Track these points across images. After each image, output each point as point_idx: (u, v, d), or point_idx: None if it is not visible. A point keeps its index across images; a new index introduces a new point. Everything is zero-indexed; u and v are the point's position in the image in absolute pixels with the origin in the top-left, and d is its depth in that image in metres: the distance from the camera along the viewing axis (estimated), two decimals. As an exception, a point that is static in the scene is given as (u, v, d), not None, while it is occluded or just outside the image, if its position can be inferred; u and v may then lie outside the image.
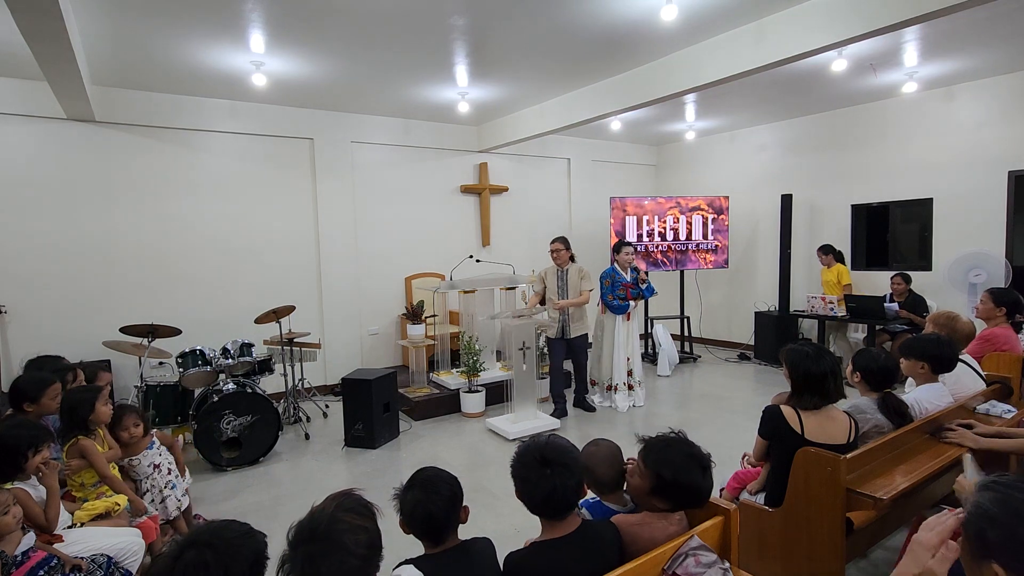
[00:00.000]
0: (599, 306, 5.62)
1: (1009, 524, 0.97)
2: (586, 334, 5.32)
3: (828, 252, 6.75)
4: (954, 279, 5.62)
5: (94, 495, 2.65)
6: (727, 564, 1.61)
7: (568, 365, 5.69)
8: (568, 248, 5.33)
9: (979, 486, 1.05)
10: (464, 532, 1.66)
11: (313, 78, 5.04)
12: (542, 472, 1.59)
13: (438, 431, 5.07)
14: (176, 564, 1.16)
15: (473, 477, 4.01)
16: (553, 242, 5.35)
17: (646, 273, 5.54)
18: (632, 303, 5.44)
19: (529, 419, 4.90)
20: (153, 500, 2.94)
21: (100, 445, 2.72)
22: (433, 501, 1.55)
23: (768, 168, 7.67)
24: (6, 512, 1.96)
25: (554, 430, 4.77)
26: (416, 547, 1.59)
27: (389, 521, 1.52)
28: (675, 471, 1.67)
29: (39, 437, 2.22)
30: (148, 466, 2.98)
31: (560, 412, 5.26)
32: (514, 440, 4.60)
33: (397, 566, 1.51)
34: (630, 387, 5.53)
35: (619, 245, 5.57)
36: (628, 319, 5.48)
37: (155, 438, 3.08)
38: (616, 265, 5.49)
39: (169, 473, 3.03)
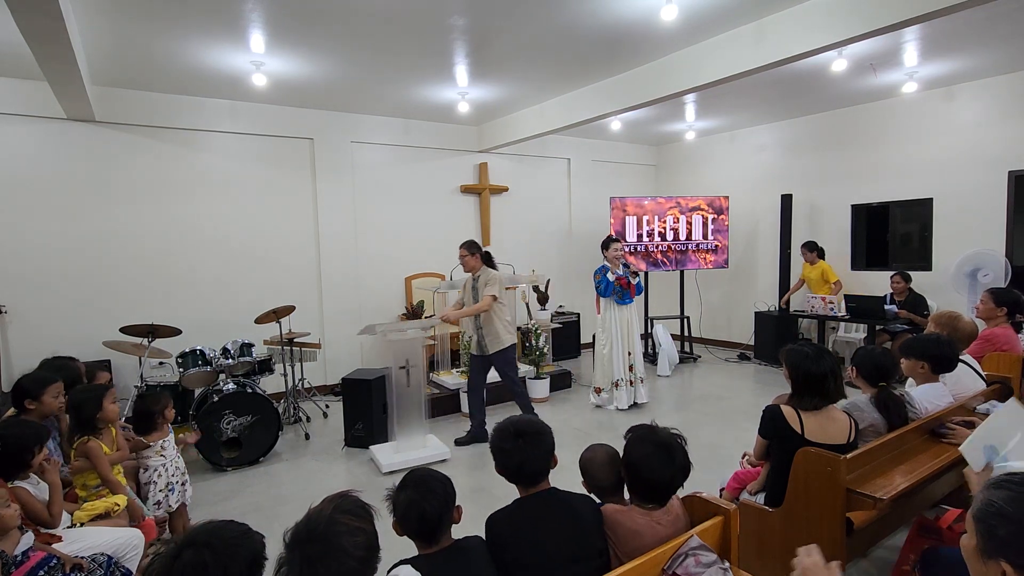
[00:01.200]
0: (596, 305, 5.58)
1: (1022, 522, 0.97)
2: (505, 349, 4.61)
3: (813, 249, 6.79)
4: (959, 279, 5.61)
5: (95, 496, 2.65)
6: (727, 564, 1.61)
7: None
8: (474, 253, 4.65)
9: (991, 483, 1.05)
10: (464, 532, 1.66)
11: (313, 78, 5.04)
12: (516, 443, 1.77)
13: (438, 431, 5.06)
14: (174, 564, 1.16)
15: (473, 477, 4.01)
16: (459, 247, 4.72)
17: (635, 273, 5.50)
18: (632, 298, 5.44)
19: (415, 448, 4.30)
20: (177, 482, 3.06)
21: (109, 445, 2.72)
22: (427, 500, 1.55)
23: (768, 168, 7.67)
24: (7, 505, 1.97)
25: (443, 460, 4.28)
26: (411, 548, 1.59)
27: (386, 522, 1.52)
28: (632, 447, 1.80)
29: (41, 435, 2.27)
30: (172, 448, 3.08)
31: (474, 436, 4.75)
32: (387, 474, 4.06)
33: (393, 566, 1.50)
34: (631, 383, 5.51)
35: (608, 241, 5.48)
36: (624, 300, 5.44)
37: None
38: (607, 263, 5.44)
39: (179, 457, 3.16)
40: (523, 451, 1.76)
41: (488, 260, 4.76)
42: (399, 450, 4.28)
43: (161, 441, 3.02)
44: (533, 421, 1.86)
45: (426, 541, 1.58)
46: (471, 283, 4.73)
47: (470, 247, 4.68)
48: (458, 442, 4.71)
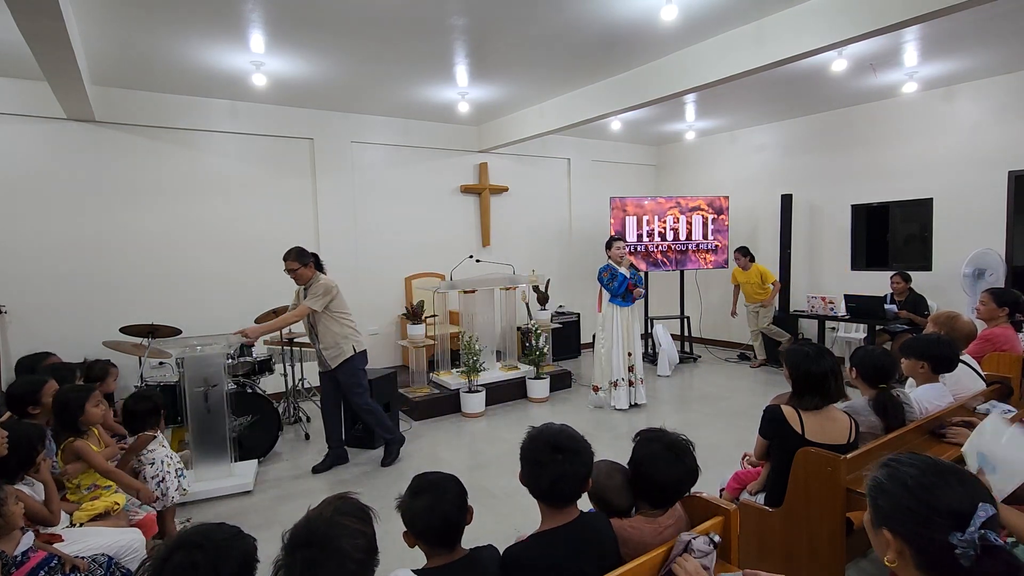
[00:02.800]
0: (597, 303, 5.56)
1: (895, 494, 1.09)
2: (348, 360, 4.19)
3: (746, 254, 7.00)
4: (967, 280, 5.59)
5: (88, 498, 2.65)
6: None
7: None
8: (306, 263, 4.10)
9: (878, 463, 1.17)
10: (466, 533, 1.64)
11: (313, 78, 5.04)
12: (553, 457, 1.59)
13: (438, 431, 5.07)
14: (165, 566, 1.16)
15: (473, 477, 4.01)
16: (285, 259, 4.11)
17: (637, 276, 5.46)
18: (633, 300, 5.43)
19: (217, 478, 3.83)
20: (182, 473, 3.08)
21: (96, 445, 2.72)
22: (445, 504, 1.49)
23: (768, 168, 7.67)
24: (16, 503, 1.98)
25: (246, 493, 3.85)
26: (415, 556, 1.56)
27: (386, 524, 1.49)
28: (641, 448, 1.77)
29: (42, 433, 2.33)
30: (166, 440, 3.11)
31: (334, 460, 4.32)
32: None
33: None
34: (630, 383, 5.48)
35: (611, 240, 5.47)
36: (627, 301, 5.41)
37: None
38: (611, 261, 5.40)
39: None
40: (560, 467, 1.57)
41: (320, 266, 4.26)
42: (197, 479, 3.80)
43: (161, 433, 3.06)
44: (572, 435, 1.66)
45: (445, 547, 1.50)
46: (302, 293, 4.22)
47: (298, 256, 4.07)
48: (315, 469, 4.22)
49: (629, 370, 5.47)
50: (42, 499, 2.29)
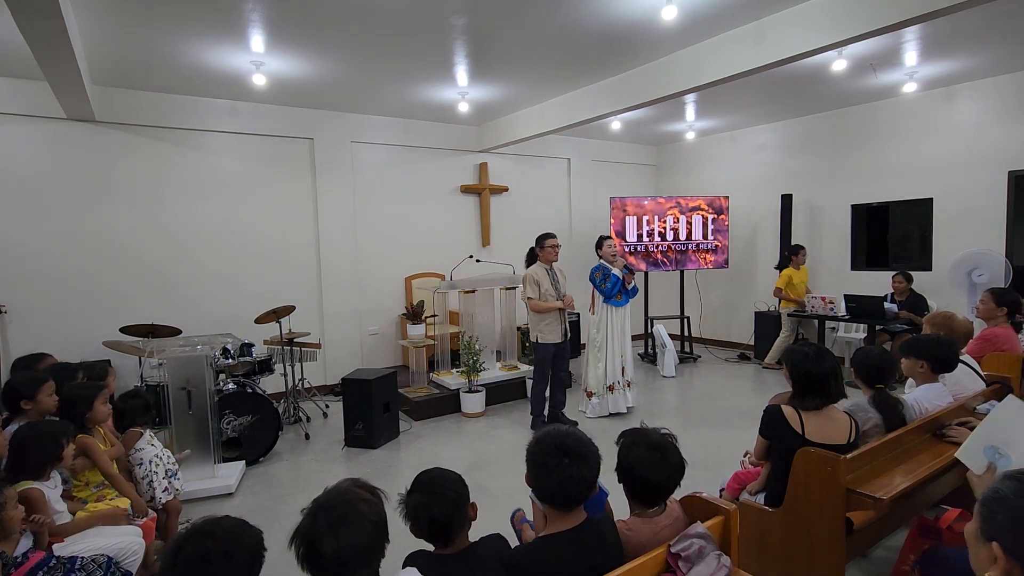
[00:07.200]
0: (590, 308, 5.40)
1: (1019, 509, 1.04)
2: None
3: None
4: (956, 279, 5.60)
5: (95, 497, 2.64)
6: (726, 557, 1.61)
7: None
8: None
9: (1004, 475, 1.13)
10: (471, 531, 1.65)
11: (313, 78, 5.04)
12: (560, 460, 1.57)
13: (438, 431, 5.07)
14: (178, 556, 1.20)
15: (473, 477, 4.00)
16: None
17: (631, 272, 5.29)
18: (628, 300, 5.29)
19: (200, 480, 3.79)
20: (174, 472, 3.08)
21: (101, 443, 2.71)
22: (436, 504, 1.52)
23: (768, 168, 7.67)
24: (15, 507, 1.97)
25: (227, 495, 3.82)
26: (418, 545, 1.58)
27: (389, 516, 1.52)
28: (627, 452, 1.74)
29: (67, 429, 2.34)
30: (158, 439, 3.09)
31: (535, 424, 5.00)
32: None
33: (405, 564, 1.51)
34: (624, 387, 5.31)
35: (601, 240, 5.27)
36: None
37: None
38: (602, 261, 5.23)
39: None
40: (567, 470, 1.56)
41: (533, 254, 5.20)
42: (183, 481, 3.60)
43: (149, 431, 3.04)
44: (579, 437, 1.64)
45: (438, 543, 1.56)
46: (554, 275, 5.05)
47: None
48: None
49: (621, 372, 5.30)
50: (56, 508, 2.28)
